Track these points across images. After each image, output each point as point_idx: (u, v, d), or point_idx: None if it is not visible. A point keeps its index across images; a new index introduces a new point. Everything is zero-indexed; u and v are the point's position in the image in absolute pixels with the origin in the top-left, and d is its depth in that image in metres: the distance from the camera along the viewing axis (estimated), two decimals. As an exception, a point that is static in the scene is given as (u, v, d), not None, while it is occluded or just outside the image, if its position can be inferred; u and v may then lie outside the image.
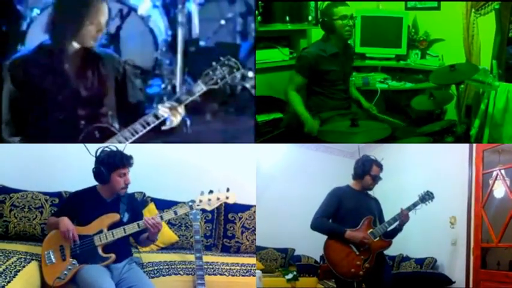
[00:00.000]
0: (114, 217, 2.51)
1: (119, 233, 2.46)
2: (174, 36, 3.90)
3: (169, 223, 3.18)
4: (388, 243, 2.74)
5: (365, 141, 2.97)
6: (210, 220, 3.32)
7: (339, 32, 3.16)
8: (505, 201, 3.32)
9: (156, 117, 2.38)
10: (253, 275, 2.98)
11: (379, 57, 4.16)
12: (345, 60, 3.32)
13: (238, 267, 2.98)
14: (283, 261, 4.35)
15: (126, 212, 2.56)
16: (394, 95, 3.95)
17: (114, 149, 2.47)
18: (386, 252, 2.81)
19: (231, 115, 3.92)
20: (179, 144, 3.28)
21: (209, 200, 2.58)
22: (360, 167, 2.82)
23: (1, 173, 3.04)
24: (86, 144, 2.47)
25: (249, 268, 3.00)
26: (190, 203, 2.59)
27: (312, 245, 3.77)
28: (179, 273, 2.85)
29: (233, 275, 2.93)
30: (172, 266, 2.87)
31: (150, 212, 3.10)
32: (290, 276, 3.95)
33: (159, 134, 2.46)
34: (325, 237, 2.72)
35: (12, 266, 2.38)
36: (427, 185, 2.98)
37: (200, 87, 2.38)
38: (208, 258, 2.99)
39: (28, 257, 2.55)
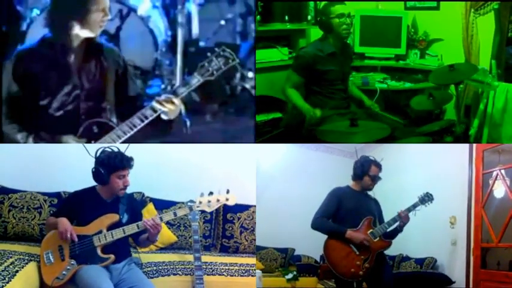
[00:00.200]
0: (114, 218, 2.50)
1: (118, 233, 2.46)
2: (174, 37, 3.90)
3: (168, 223, 3.18)
4: (388, 244, 2.74)
5: (364, 141, 2.97)
6: (209, 220, 3.33)
7: (336, 30, 3.17)
8: (505, 201, 3.32)
9: (154, 110, 2.37)
10: (252, 275, 2.98)
11: (378, 57, 4.17)
12: (343, 60, 3.32)
13: (237, 267, 2.99)
14: (283, 261, 4.34)
15: (125, 213, 2.56)
16: (394, 95, 3.95)
17: (116, 149, 2.47)
18: (386, 252, 2.81)
19: (231, 115, 3.92)
20: (179, 144, 3.28)
21: (209, 201, 2.57)
22: (358, 168, 2.82)
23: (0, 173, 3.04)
24: (86, 145, 2.47)
25: (247, 268, 3.00)
26: (189, 204, 2.58)
27: (312, 245, 3.77)
28: (178, 274, 2.85)
29: (232, 275, 2.93)
30: (171, 266, 2.87)
31: (149, 212, 3.10)
32: (290, 276, 3.94)
33: (158, 134, 2.46)
34: (325, 237, 2.72)
35: (11, 266, 2.39)
36: (427, 185, 2.98)
37: (197, 79, 2.39)
38: (207, 258, 2.99)
39: (27, 257, 2.55)
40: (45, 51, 2.38)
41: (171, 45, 3.93)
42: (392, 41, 4.09)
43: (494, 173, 3.37)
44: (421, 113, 3.54)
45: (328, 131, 3.00)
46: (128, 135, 2.38)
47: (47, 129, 2.41)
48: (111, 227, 2.48)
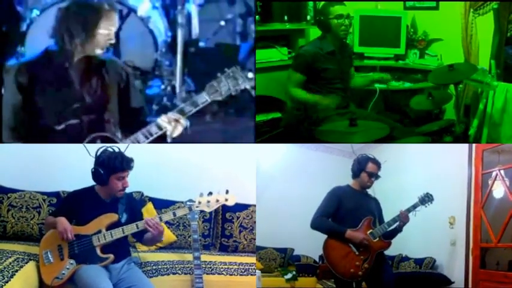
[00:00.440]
0: (113, 217, 2.50)
1: (117, 233, 2.46)
2: (174, 37, 3.90)
3: (167, 223, 3.17)
4: (388, 244, 2.74)
5: (363, 141, 2.97)
6: (208, 219, 3.33)
7: (334, 31, 3.18)
8: (504, 201, 3.32)
9: (159, 127, 2.38)
10: (252, 274, 2.99)
11: (377, 56, 4.17)
12: (342, 59, 3.33)
13: (236, 267, 2.99)
14: (282, 261, 4.35)
15: (124, 212, 2.56)
16: (393, 95, 3.94)
17: (117, 150, 2.47)
18: (385, 252, 2.81)
19: (231, 115, 3.92)
20: (179, 144, 3.28)
21: (208, 201, 2.57)
22: (355, 165, 2.82)
23: (-1, 173, 3.05)
24: (86, 144, 2.48)
25: (247, 267, 3.01)
26: (189, 204, 2.59)
27: (311, 245, 3.76)
28: (177, 273, 2.85)
29: (231, 274, 2.93)
30: (171, 266, 2.87)
31: (148, 212, 3.10)
32: (289, 276, 3.94)
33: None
34: (324, 237, 2.72)
35: (10, 266, 2.39)
36: (427, 185, 2.99)
37: (204, 99, 2.38)
38: (206, 257, 2.99)
39: (26, 257, 2.55)
40: (48, 63, 2.38)
41: (171, 46, 3.93)
42: (391, 41, 4.09)
43: (494, 173, 3.37)
44: (421, 112, 3.54)
45: (328, 131, 3.00)
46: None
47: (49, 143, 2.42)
48: (110, 226, 2.48)
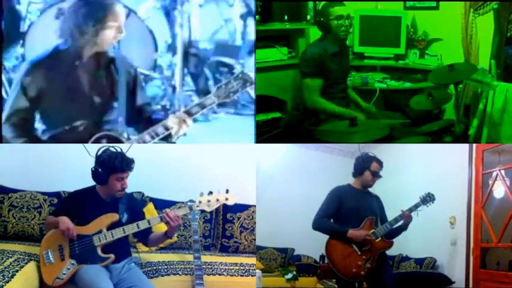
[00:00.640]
0: (113, 217, 2.50)
1: (118, 233, 2.46)
2: (174, 38, 3.90)
3: (167, 223, 3.18)
4: (390, 244, 2.74)
5: (363, 141, 2.97)
6: (209, 220, 3.32)
7: (334, 32, 3.17)
8: (504, 201, 3.31)
9: (166, 128, 2.39)
10: (252, 275, 2.98)
11: (377, 56, 4.17)
12: (341, 59, 3.33)
13: (236, 267, 2.99)
14: (282, 260, 4.35)
15: (125, 212, 2.56)
16: (393, 95, 3.95)
17: (119, 150, 2.47)
18: (386, 252, 2.81)
19: (231, 115, 3.92)
20: (179, 144, 3.28)
21: (208, 201, 2.58)
22: (359, 163, 2.81)
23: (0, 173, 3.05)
24: (86, 145, 2.48)
25: (247, 268, 3.00)
26: (189, 204, 2.59)
27: (311, 244, 3.77)
28: (178, 273, 2.85)
29: (232, 275, 2.93)
30: (171, 266, 2.87)
31: (149, 212, 3.10)
32: (290, 276, 3.94)
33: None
34: (325, 237, 2.72)
35: (11, 266, 2.39)
36: (427, 185, 2.98)
37: (212, 100, 2.39)
38: (206, 258, 2.99)
39: (26, 257, 2.56)
40: (57, 62, 2.39)
41: (171, 46, 3.93)
42: (391, 40, 4.09)
43: (494, 173, 3.37)
44: (421, 112, 3.54)
45: (328, 131, 3.01)
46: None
47: (56, 142, 2.43)
48: (111, 226, 2.48)
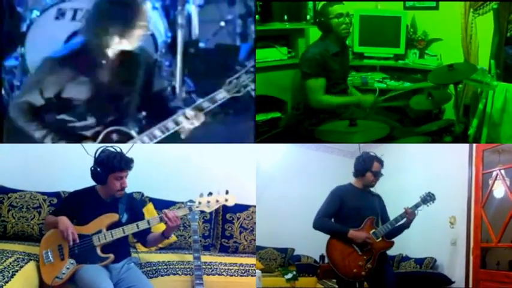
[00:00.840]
0: (113, 217, 2.50)
1: (118, 233, 2.46)
2: (174, 38, 3.89)
3: (166, 223, 3.18)
4: (391, 244, 2.73)
5: (363, 141, 2.96)
6: (208, 220, 3.33)
7: (335, 30, 3.17)
8: (504, 201, 3.32)
9: (176, 123, 2.39)
10: (252, 275, 2.98)
11: (377, 56, 4.17)
12: (342, 59, 3.33)
13: (236, 267, 2.99)
14: (282, 260, 4.36)
15: (125, 212, 2.56)
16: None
17: (118, 149, 2.47)
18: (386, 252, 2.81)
19: (231, 116, 3.91)
20: (179, 143, 3.28)
21: (208, 202, 2.57)
22: (360, 164, 2.79)
23: (-1, 173, 3.06)
24: (84, 144, 2.48)
25: (247, 268, 3.01)
26: (189, 204, 2.59)
27: (311, 244, 3.78)
28: (177, 273, 2.85)
29: (231, 275, 2.93)
30: (171, 266, 2.88)
31: (149, 212, 3.10)
32: (289, 276, 3.94)
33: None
34: (325, 237, 2.71)
35: (10, 266, 2.39)
36: (427, 185, 2.98)
37: (223, 95, 2.39)
38: (206, 258, 2.99)
39: (26, 257, 2.55)
40: (78, 60, 2.38)
41: (171, 47, 3.92)
42: (391, 40, 4.09)
43: (494, 173, 3.37)
44: (420, 112, 3.54)
45: (328, 131, 3.01)
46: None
47: (69, 137, 2.44)
48: (111, 226, 2.48)
